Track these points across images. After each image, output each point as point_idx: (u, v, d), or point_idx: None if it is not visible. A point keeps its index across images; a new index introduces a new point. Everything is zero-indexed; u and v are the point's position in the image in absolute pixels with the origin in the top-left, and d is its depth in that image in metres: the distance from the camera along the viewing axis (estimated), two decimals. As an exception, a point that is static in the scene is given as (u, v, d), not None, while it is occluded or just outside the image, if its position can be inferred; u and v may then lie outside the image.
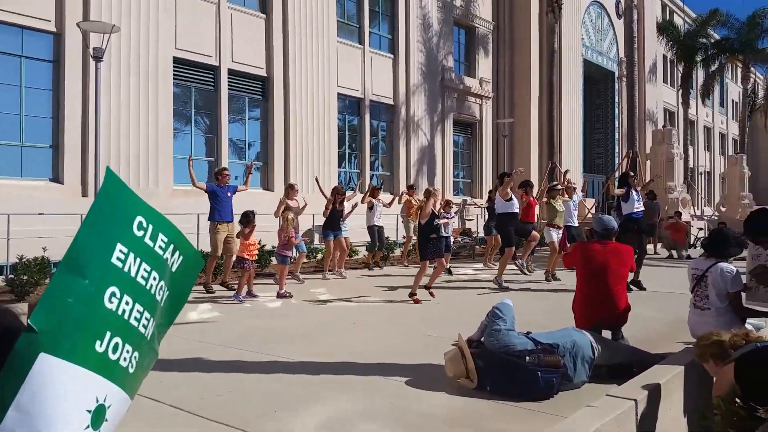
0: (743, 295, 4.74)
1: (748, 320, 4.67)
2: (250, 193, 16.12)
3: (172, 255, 1.74)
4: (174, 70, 15.00)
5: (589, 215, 20.18)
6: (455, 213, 14.18)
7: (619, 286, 4.99)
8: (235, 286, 8.78)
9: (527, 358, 3.82)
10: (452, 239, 15.97)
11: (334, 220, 11.03)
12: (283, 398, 3.75)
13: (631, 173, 10.47)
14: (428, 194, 8.28)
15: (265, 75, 17.02)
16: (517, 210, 9.76)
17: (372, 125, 20.90)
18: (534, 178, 25.28)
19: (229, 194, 9.39)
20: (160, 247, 1.67)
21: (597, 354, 4.10)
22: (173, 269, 1.75)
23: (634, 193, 9.73)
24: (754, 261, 4.80)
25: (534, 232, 10.31)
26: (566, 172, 14.71)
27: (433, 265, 8.13)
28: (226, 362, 4.70)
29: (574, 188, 12.23)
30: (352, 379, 4.13)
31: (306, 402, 3.67)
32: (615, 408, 3.16)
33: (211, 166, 15.98)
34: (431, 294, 7.95)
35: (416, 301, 7.74)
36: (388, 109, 21.44)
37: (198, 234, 11.93)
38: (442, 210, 8.63)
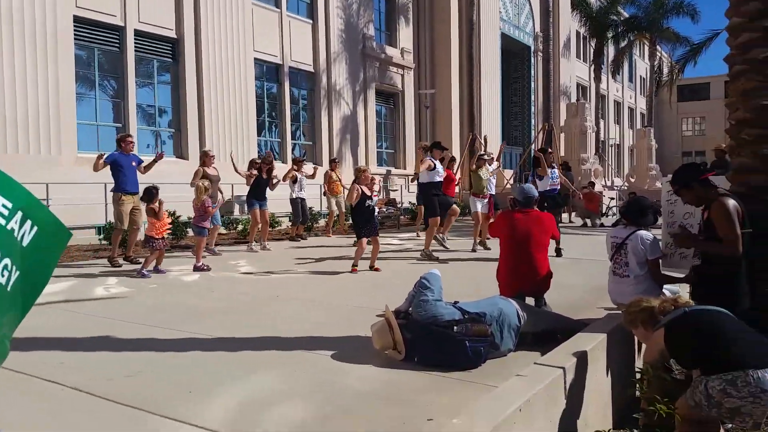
0: (661, 262, 4.85)
1: (666, 286, 4.78)
2: (166, 162, 15.40)
3: (20, 225, 1.36)
4: (75, 30, 13.86)
5: (508, 186, 20.64)
6: (378, 190, 14.11)
7: (541, 254, 5.00)
8: (140, 261, 8.30)
9: (455, 328, 3.73)
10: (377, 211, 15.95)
11: (259, 188, 10.65)
12: (198, 378, 3.49)
13: (549, 149, 10.67)
14: (357, 174, 8.12)
15: (175, 37, 16.06)
16: (440, 179, 9.72)
17: (292, 93, 20.32)
18: (455, 150, 25.56)
19: (133, 163, 8.79)
20: (0, 215, 1.30)
21: (523, 322, 4.08)
22: (24, 243, 1.38)
23: (550, 170, 9.97)
24: (670, 227, 4.93)
25: (454, 206, 10.24)
26: (485, 138, 14.91)
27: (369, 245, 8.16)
28: (135, 340, 4.35)
29: (492, 158, 12.42)
30: (274, 355, 3.91)
31: (222, 382, 3.42)
32: (544, 377, 3.12)
33: (119, 132, 15.02)
34: (377, 269, 7.95)
35: (354, 271, 7.77)
36: (309, 77, 20.89)
37: (105, 205, 11.23)
38: (373, 189, 8.46)
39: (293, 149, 20.32)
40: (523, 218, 5.08)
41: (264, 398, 3.19)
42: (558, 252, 9.32)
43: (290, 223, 13.28)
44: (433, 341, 3.71)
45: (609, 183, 31.31)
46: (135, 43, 15.22)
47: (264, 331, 4.55)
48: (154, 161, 9.25)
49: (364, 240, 8.05)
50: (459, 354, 3.64)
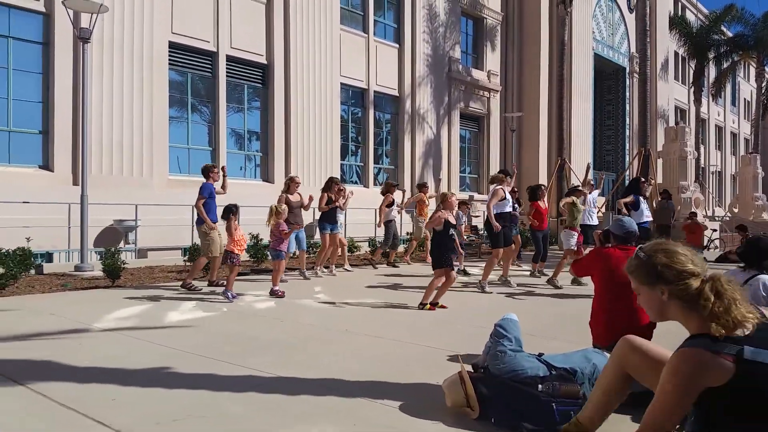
0: None
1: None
2: (249, 185, 15.69)
3: None
4: (170, 56, 14.44)
5: (599, 215, 19.53)
6: (469, 212, 13.65)
7: (644, 299, 4.39)
8: (224, 284, 8.35)
9: (539, 386, 3.23)
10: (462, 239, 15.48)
11: (331, 213, 10.54)
12: (250, 425, 3.19)
13: (642, 179, 9.87)
14: (443, 199, 7.68)
15: (266, 62, 16.43)
16: (509, 210, 9.19)
17: (376, 117, 20.30)
18: (542, 174, 24.71)
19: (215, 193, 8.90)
20: None
21: None
22: None
23: (642, 201, 9.21)
24: None
25: (498, 249, 9.21)
26: (588, 166, 14.13)
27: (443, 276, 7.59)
28: (193, 376, 4.14)
29: (593, 184, 11.69)
30: (333, 402, 3.55)
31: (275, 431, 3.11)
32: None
33: (210, 155, 15.45)
34: (443, 306, 7.25)
35: (431, 308, 7.10)
36: (393, 101, 20.82)
37: (193, 227, 11.40)
38: (458, 213, 8.02)
39: (376, 173, 20.23)
40: (624, 256, 4.49)
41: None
42: None
43: (371, 248, 13.04)
44: (513, 400, 3.23)
45: (710, 213, 29.23)
46: (227, 68, 15.66)
47: (327, 372, 4.22)
48: (224, 176, 9.36)
49: (442, 271, 7.36)
50: (544, 417, 3.14)
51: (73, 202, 11.33)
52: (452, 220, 7.53)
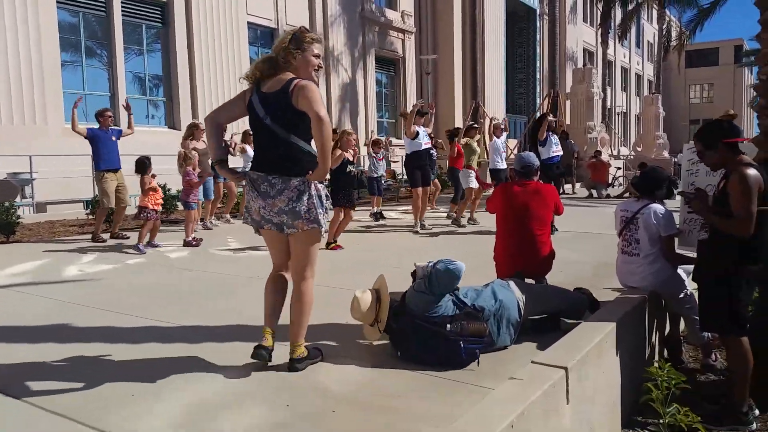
0: (675, 240, 4.38)
1: (681, 267, 4.32)
2: (154, 132, 14.92)
3: None
4: (58, -7, 13.25)
5: (512, 156, 20.04)
6: (385, 154, 13.51)
7: (542, 231, 4.51)
8: (128, 236, 8.11)
9: (448, 326, 3.24)
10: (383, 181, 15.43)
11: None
12: (148, 377, 3.04)
13: (550, 115, 10.05)
14: (341, 136, 7.64)
15: (165, 0, 15.40)
16: (424, 148, 9.19)
17: (288, 59, 19.62)
18: (458, 118, 24.94)
19: (114, 138, 8.31)
20: None
21: (523, 315, 3.62)
22: None
23: (552, 136, 9.42)
24: (690, 188, 4.43)
25: (418, 188, 9.15)
26: (492, 118, 14.31)
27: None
28: (92, 329, 3.93)
29: (502, 127, 11.78)
30: (237, 347, 3.46)
31: (174, 382, 2.99)
32: (543, 379, 2.67)
33: (110, 100, 14.52)
34: (335, 248, 7.29)
35: (335, 248, 7.21)
36: (306, 43, 20.15)
37: (93, 178, 10.75)
38: (357, 153, 7.99)
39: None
40: (522, 191, 4.58)
41: (217, 402, 2.76)
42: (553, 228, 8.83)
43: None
44: (421, 338, 3.25)
45: (616, 152, 30.62)
46: (122, 6, 14.58)
47: (234, 318, 4.12)
48: (129, 114, 8.76)
49: (340, 210, 7.48)
50: (451, 355, 3.18)
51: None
52: (349, 157, 7.51)
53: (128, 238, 8.18)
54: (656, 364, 3.33)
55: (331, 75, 20.60)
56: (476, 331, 3.26)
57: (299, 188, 3.02)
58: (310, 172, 3.04)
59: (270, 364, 3.17)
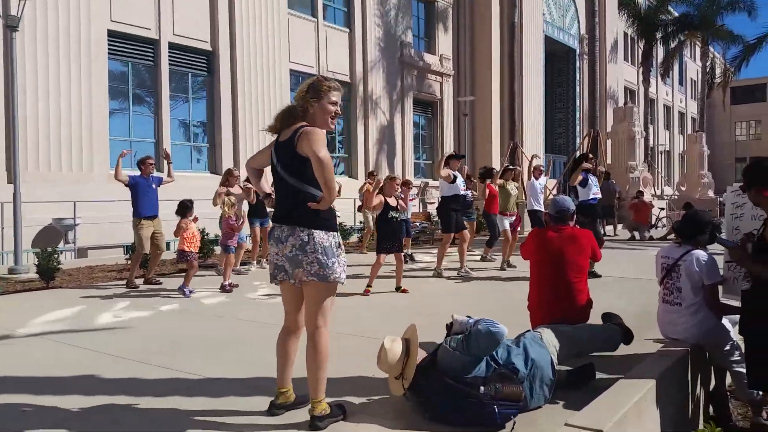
0: (720, 288, 4.15)
1: (726, 317, 4.08)
2: (196, 177, 15.26)
3: None
4: (109, 44, 13.88)
5: (550, 197, 19.75)
6: (416, 195, 13.45)
7: (579, 278, 4.33)
8: (161, 282, 8.27)
9: (482, 388, 3.07)
10: (412, 223, 15.35)
11: (259, 205, 9.88)
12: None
13: (590, 155, 9.84)
14: (384, 182, 7.66)
15: (210, 49, 15.96)
16: (461, 192, 9.08)
17: (327, 104, 19.96)
18: (496, 159, 24.81)
19: (154, 186, 8.49)
20: None
21: (557, 369, 3.45)
22: None
23: (591, 178, 9.19)
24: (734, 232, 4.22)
25: (465, 231, 9.19)
26: (534, 156, 14.19)
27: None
28: (117, 381, 3.91)
29: (541, 170, 11.66)
30: (260, 403, 3.37)
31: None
32: (577, 445, 2.51)
33: (154, 147, 14.97)
34: (404, 290, 7.37)
35: (366, 293, 7.16)
36: (345, 87, 20.54)
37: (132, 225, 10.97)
38: (400, 195, 7.98)
39: (335, 164, 19.95)
40: (557, 237, 4.43)
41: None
42: (592, 274, 8.54)
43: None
44: (452, 398, 3.08)
45: (659, 192, 29.87)
46: (170, 56, 15.16)
47: (260, 368, 4.04)
48: (168, 163, 8.89)
49: (383, 256, 7.45)
50: (485, 419, 3.02)
51: (7, 201, 10.78)
52: (392, 203, 7.46)
53: (161, 283, 8.26)
54: (702, 425, 3.11)
55: (370, 118, 20.86)
56: (511, 394, 3.09)
57: (302, 238, 3.00)
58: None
59: (292, 422, 3.08)
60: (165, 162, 9.00)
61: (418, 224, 16.14)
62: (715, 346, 4.12)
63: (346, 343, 4.73)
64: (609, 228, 16.89)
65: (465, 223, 10.02)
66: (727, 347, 4.05)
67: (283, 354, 3.23)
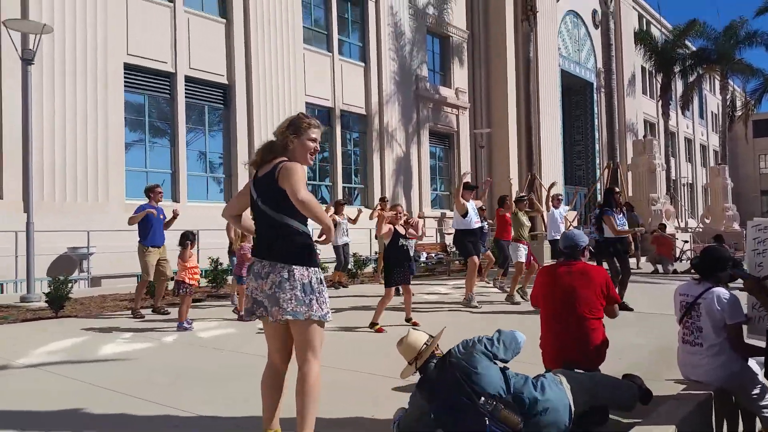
0: (744, 328, 3.90)
1: (753, 359, 3.82)
2: (212, 207, 15.25)
3: None
4: (126, 77, 14.07)
5: (570, 228, 19.43)
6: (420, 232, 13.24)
7: (591, 315, 4.04)
8: (168, 312, 8.17)
9: (482, 398, 3.01)
10: (426, 256, 15.17)
11: None
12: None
13: (616, 189, 9.59)
14: (392, 209, 7.55)
15: (227, 83, 16.12)
16: (474, 227, 8.91)
17: (344, 136, 20.06)
18: (514, 191, 24.59)
19: (161, 216, 8.47)
20: None
21: (571, 423, 3.22)
22: None
23: (617, 215, 8.90)
24: (757, 269, 3.98)
25: (473, 257, 8.94)
26: (552, 184, 14.04)
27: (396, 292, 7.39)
28: (109, 417, 3.75)
29: (560, 199, 11.53)
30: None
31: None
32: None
33: (171, 177, 15.06)
34: (415, 323, 7.07)
35: (379, 331, 6.83)
36: (361, 119, 20.62)
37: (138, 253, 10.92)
38: (408, 227, 7.83)
39: (345, 193, 19.94)
40: (567, 272, 4.20)
41: None
42: (624, 307, 8.29)
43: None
44: (455, 395, 3.05)
45: (683, 224, 29.38)
46: (186, 89, 15.32)
47: (254, 406, 3.85)
48: (173, 218, 8.76)
49: (392, 290, 7.24)
50: (469, 425, 2.97)
51: (21, 230, 10.82)
52: (401, 231, 7.31)
53: (169, 313, 8.17)
54: None
55: (386, 150, 20.84)
56: (509, 420, 3.00)
57: (282, 275, 2.93)
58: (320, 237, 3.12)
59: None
60: (172, 216, 8.72)
61: (434, 255, 15.96)
62: (741, 390, 3.85)
63: (345, 379, 4.53)
64: (632, 260, 16.50)
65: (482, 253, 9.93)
66: (756, 391, 3.78)
67: (268, 393, 3.08)
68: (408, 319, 7.26)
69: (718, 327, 3.79)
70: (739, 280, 3.98)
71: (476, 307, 8.53)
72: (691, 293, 3.95)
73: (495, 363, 3.27)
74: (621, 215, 8.97)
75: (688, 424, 3.16)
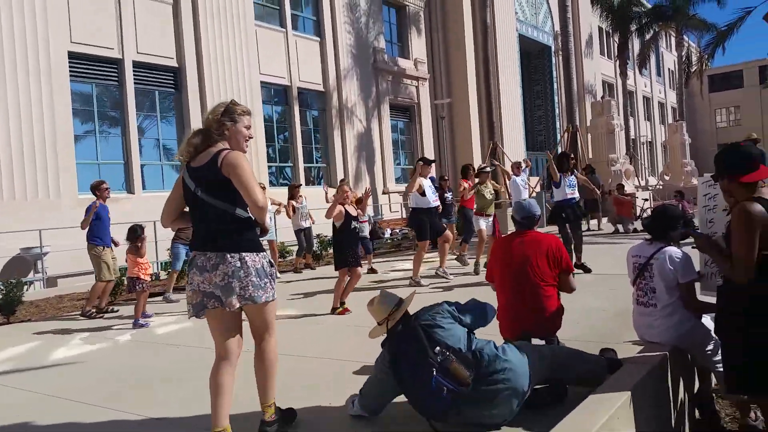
0: (697, 285, 3.89)
1: (706, 316, 3.83)
2: (166, 197, 14.87)
3: None
4: (71, 66, 13.50)
5: (533, 195, 19.54)
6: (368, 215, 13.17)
7: (545, 284, 4.02)
8: (117, 310, 8.03)
9: (437, 348, 3.02)
10: (390, 232, 15.12)
11: None
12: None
13: (571, 155, 9.63)
14: (337, 189, 7.33)
15: (177, 66, 15.63)
16: (432, 206, 8.72)
17: (303, 114, 19.73)
18: (477, 160, 24.61)
19: (109, 214, 8.15)
20: None
21: (531, 385, 3.17)
22: None
23: (566, 178, 8.95)
24: (708, 225, 3.96)
25: (447, 232, 9.02)
26: (494, 147, 13.86)
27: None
28: (58, 427, 3.60)
29: (520, 165, 11.50)
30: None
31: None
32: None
33: (124, 168, 14.63)
34: (346, 311, 6.76)
35: (342, 313, 6.69)
36: (319, 96, 20.29)
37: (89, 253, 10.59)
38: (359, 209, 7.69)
39: (305, 172, 19.68)
40: (520, 242, 4.16)
41: None
42: (584, 268, 8.34)
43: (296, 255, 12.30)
44: (409, 349, 3.09)
45: (644, 183, 29.84)
46: (134, 74, 14.80)
47: (203, 407, 3.73)
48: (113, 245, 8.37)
49: (345, 271, 6.90)
50: (421, 377, 2.99)
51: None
52: (353, 213, 7.15)
53: (118, 311, 7.95)
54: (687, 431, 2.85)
55: (346, 126, 20.58)
56: (457, 372, 2.97)
57: (234, 264, 2.94)
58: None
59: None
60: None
61: (398, 231, 15.93)
62: (695, 348, 3.87)
63: (308, 366, 4.44)
64: (593, 222, 16.74)
65: (445, 224, 9.80)
66: (709, 348, 3.79)
67: (217, 388, 2.97)
68: (342, 303, 6.84)
69: (671, 287, 3.78)
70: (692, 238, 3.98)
71: (424, 286, 8.38)
72: (643, 254, 3.93)
73: (460, 324, 3.26)
74: (572, 176, 9.04)
75: (642, 387, 3.14)
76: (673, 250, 3.83)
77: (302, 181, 18.19)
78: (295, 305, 7.57)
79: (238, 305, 2.94)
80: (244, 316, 3.10)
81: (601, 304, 6.12)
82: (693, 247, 3.80)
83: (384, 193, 21.88)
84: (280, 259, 13.04)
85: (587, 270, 8.32)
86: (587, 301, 6.10)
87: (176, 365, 5.02)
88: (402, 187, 22.51)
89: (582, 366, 3.54)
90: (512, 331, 4.02)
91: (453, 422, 3.02)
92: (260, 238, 3.14)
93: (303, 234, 11.52)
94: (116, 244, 8.17)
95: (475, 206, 9.62)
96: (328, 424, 3.36)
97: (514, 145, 26.38)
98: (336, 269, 6.95)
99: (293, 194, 11.54)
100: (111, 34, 14.32)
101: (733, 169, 3.08)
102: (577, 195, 9.11)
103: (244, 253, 2.94)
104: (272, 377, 3.13)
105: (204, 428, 3.28)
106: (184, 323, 6.98)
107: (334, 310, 6.74)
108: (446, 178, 12.76)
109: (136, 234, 7.34)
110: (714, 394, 4.13)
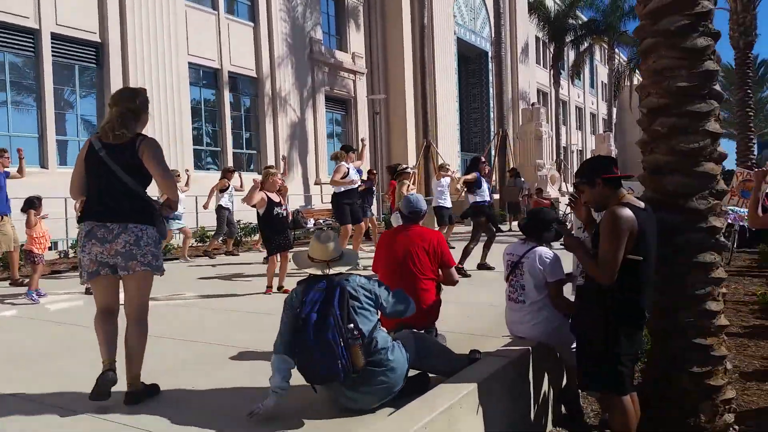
0: (569, 285, 4.05)
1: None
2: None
3: None
4: (-19, 33, 12.78)
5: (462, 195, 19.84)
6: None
7: (424, 277, 4.11)
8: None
9: (350, 325, 3.04)
10: (314, 222, 15.04)
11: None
12: None
13: (482, 158, 9.93)
14: (264, 177, 7.36)
15: (99, 41, 15.01)
16: (354, 187, 8.98)
17: (234, 99, 19.34)
18: (411, 157, 24.82)
19: (5, 183, 7.83)
20: None
21: (402, 382, 3.23)
22: None
23: (484, 181, 9.24)
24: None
25: (360, 224, 9.33)
26: (426, 143, 14.18)
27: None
28: None
29: (447, 168, 11.85)
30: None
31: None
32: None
33: (38, 142, 13.96)
34: (286, 291, 6.91)
35: (268, 292, 7.03)
36: (252, 82, 19.94)
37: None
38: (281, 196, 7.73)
39: (248, 159, 19.33)
40: (404, 236, 4.24)
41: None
42: (460, 271, 8.40)
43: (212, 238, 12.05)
44: (328, 305, 3.08)
45: (570, 188, 30.83)
46: (53, 47, 14.12)
47: (77, 384, 3.61)
48: (20, 158, 8.22)
49: (275, 257, 7.17)
50: (323, 339, 2.99)
51: None
52: (276, 199, 7.19)
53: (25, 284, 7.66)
54: (550, 427, 2.97)
55: (279, 115, 20.32)
56: (355, 355, 3.01)
57: (136, 234, 3.30)
58: (165, 206, 3.52)
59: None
60: (19, 157, 8.24)
61: (322, 221, 15.86)
62: (561, 345, 4.02)
63: (201, 349, 4.36)
64: (515, 224, 17.19)
65: (366, 217, 10.05)
66: (575, 345, 3.95)
67: (107, 328, 3.36)
68: (280, 287, 7.16)
69: (540, 285, 3.92)
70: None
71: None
72: (516, 252, 4.06)
73: (377, 311, 3.29)
74: (486, 182, 9.37)
75: (495, 379, 3.23)
76: (543, 251, 3.97)
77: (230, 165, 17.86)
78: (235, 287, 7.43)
79: (139, 269, 3.30)
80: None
81: (494, 299, 6.26)
82: (561, 245, 3.96)
83: (316, 183, 21.76)
84: (200, 244, 12.83)
85: (467, 275, 8.29)
86: (481, 297, 6.28)
87: (61, 343, 4.89)
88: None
89: (443, 363, 3.61)
90: (391, 323, 4.06)
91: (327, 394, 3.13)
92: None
93: (226, 214, 11.36)
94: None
95: (397, 204, 9.83)
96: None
97: (448, 144, 26.74)
98: (268, 255, 7.26)
99: (227, 177, 11.49)
100: (27, 2, 13.61)
101: (601, 170, 3.24)
102: (488, 200, 9.37)
103: (147, 225, 3.34)
104: (143, 347, 3.39)
105: (66, 406, 3.21)
106: (77, 301, 6.75)
107: (279, 289, 7.10)
108: (374, 171, 12.95)
109: (31, 206, 7.11)
110: (580, 391, 4.31)
